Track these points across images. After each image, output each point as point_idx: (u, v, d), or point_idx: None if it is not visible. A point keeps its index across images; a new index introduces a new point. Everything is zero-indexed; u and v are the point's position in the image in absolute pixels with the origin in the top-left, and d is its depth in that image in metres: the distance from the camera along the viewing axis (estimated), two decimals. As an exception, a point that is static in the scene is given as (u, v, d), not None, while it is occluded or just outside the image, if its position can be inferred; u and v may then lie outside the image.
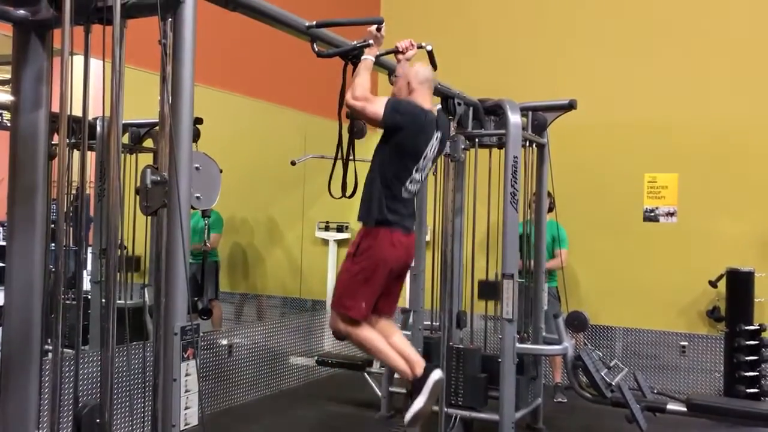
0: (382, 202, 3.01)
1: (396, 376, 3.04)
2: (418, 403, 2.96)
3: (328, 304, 6.58)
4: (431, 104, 3.20)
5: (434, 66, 3.35)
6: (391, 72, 3.33)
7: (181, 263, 2.05)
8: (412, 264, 3.27)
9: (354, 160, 3.27)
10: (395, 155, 3.04)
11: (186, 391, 2.07)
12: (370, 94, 2.97)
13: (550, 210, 5.08)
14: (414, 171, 3.08)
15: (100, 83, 2.08)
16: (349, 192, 3.29)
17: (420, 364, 3.05)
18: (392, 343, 3.10)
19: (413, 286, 4.41)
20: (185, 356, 2.06)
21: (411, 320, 4.45)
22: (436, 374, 3.01)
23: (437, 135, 3.13)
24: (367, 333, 3.05)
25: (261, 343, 5.55)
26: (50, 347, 2.14)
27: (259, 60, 5.66)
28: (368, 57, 3.04)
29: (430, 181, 4.37)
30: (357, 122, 3.30)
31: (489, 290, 4.64)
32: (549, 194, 4.92)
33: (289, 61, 5.64)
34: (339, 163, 3.25)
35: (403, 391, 4.51)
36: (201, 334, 2.37)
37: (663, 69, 6.00)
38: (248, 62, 5.58)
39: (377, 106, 2.96)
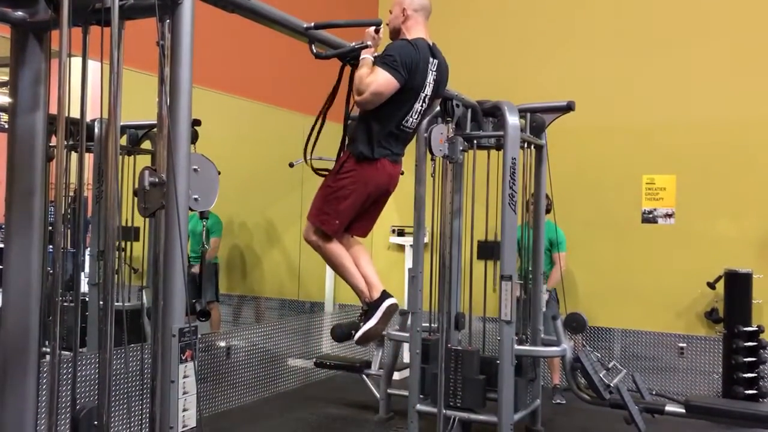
0: (374, 139, 3.05)
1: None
2: (370, 323, 3.11)
3: (327, 306, 6.59)
4: (426, 33, 3.19)
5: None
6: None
7: (179, 265, 2.05)
8: (393, 191, 3.26)
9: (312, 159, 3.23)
10: (396, 94, 3.03)
11: (184, 393, 2.06)
12: (366, 78, 2.96)
13: (548, 211, 5.08)
14: (416, 102, 3.12)
15: (98, 85, 2.08)
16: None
17: (378, 288, 3.16)
18: (358, 264, 3.20)
19: (411, 288, 4.40)
20: (183, 358, 2.05)
21: (409, 322, 4.45)
22: (390, 300, 3.14)
23: (434, 62, 3.14)
24: (336, 249, 3.14)
25: (259, 345, 5.54)
26: (48, 349, 2.13)
27: (258, 62, 5.66)
28: (368, 56, 3.04)
29: (428, 183, 4.37)
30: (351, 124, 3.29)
31: (488, 250, 4.63)
32: (547, 196, 4.92)
33: (287, 63, 5.63)
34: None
35: (404, 393, 4.53)
36: (199, 336, 2.36)
37: (661, 71, 6.01)
38: (246, 64, 5.58)
39: (382, 79, 2.96)
